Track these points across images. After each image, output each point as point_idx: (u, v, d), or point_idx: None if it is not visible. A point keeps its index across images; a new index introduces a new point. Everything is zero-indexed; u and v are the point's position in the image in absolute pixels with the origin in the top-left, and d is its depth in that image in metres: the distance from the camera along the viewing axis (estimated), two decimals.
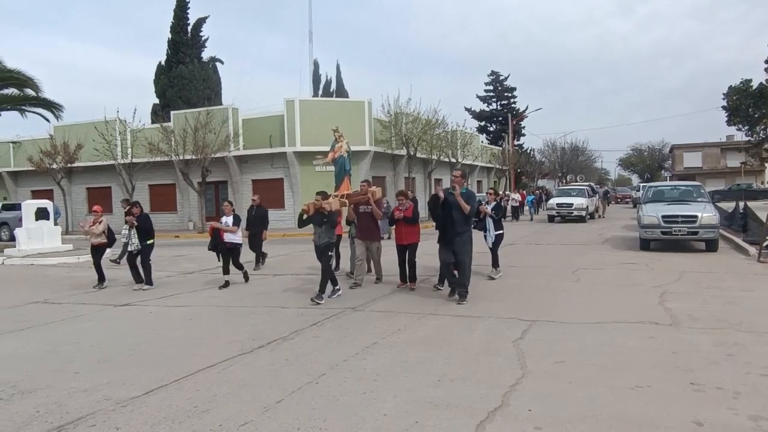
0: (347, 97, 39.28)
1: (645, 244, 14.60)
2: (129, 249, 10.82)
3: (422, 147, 31.62)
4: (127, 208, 11.03)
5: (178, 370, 5.51)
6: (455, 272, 8.55)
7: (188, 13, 43.18)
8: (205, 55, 43.79)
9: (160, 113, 33.64)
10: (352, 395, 4.68)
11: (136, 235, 10.71)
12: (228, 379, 5.22)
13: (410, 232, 9.70)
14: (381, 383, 4.96)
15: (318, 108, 29.10)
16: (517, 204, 31.71)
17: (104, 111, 29.78)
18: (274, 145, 28.30)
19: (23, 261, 16.58)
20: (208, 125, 26.13)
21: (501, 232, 10.92)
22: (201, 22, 43.79)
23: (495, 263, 10.92)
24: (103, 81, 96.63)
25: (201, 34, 43.83)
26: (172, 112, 30.65)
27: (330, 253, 9.16)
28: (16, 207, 24.78)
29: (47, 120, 21.39)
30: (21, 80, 19.08)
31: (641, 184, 33.81)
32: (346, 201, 10.03)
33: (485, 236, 10.79)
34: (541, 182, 58.48)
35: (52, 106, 20.11)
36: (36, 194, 31.60)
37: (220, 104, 32.75)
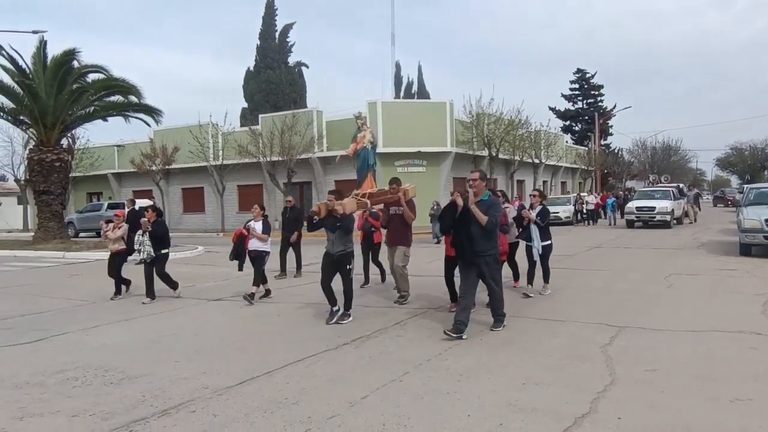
0: (428, 98, 39.35)
1: (745, 249, 13.72)
2: (141, 257, 9.64)
3: (504, 148, 31.18)
4: (130, 208, 10.25)
5: (268, 363, 5.76)
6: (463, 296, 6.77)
7: (276, 20, 44.75)
8: (291, 59, 45.20)
9: (248, 117, 35.09)
10: (435, 394, 4.73)
11: (149, 242, 9.56)
12: (315, 373, 5.40)
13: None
14: (464, 384, 4.98)
15: (400, 109, 29.36)
16: (594, 207, 29.86)
17: (198, 116, 31.42)
18: None
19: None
20: (294, 128, 26.99)
21: (549, 242, 9.10)
22: (288, 28, 45.27)
23: (545, 277, 9.20)
24: (196, 87, 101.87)
25: (287, 39, 45.29)
26: (260, 116, 31.86)
27: (348, 266, 7.61)
28: (120, 206, 26.57)
29: (148, 125, 22.85)
30: (125, 88, 20.49)
31: (744, 186, 31.66)
32: (368, 201, 8.63)
33: (531, 247, 9.06)
34: (629, 183, 56.05)
35: (152, 112, 21.45)
36: (137, 194, 33.79)
37: (305, 107, 33.70)
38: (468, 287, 6.69)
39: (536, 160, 36.33)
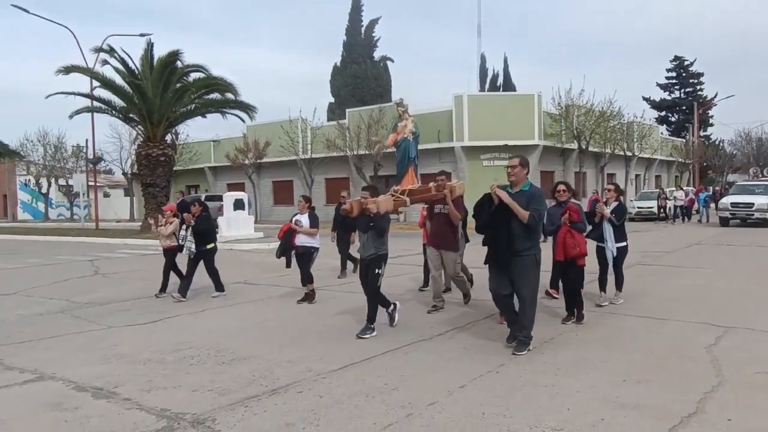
0: (514, 90, 38.69)
1: None
2: (185, 252, 9.45)
3: (595, 140, 30.18)
4: (179, 199, 9.80)
5: (367, 350, 5.99)
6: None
7: (362, 16, 45.38)
8: (377, 54, 45.70)
9: (336, 111, 35.90)
10: (533, 387, 4.77)
11: (191, 237, 9.29)
12: (412, 361, 5.57)
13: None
14: (562, 378, 4.98)
15: (486, 103, 29.09)
16: (686, 203, 27.18)
17: (288, 111, 32.47)
18: (442, 140, 28.79)
19: (224, 246, 18.75)
20: (380, 121, 27.36)
21: (624, 244, 7.93)
22: (373, 23, 45.78)
23: (618, 284, 8.10)
24: (285, 83, 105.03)
25: (373, 34, 45.82)
26: (347, 110, 32.52)
27: (377, 270, 6.78)
28: (216, 198, 27.98)
29: (242, 120, 23.97)
30: (223, 86, 21.57)
31: None
32: (407, 199, 7.39)
33: (604, 249, 7.87)
34: (731, 177, 52.56)
35: (247, 108, 22.46)
36: (231, 187, 35.38)
37: (390, 101, 34.05)
38: (500, 290, 5.90)
39: (628, 153, 34.87)
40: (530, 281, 5.73)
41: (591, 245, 7.41)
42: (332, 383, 5.01)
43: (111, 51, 20.40)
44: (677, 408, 4.24)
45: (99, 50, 20.88)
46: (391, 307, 7.07)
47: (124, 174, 43.39)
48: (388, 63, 45.09)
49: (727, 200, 23.05)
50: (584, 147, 29.64)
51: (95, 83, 22.11)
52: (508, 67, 44.57)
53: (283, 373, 5.28)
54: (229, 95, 21.91)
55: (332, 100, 44.27)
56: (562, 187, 7.40)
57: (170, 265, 9.72)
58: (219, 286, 9.65)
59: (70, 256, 16.60)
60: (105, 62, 20.90)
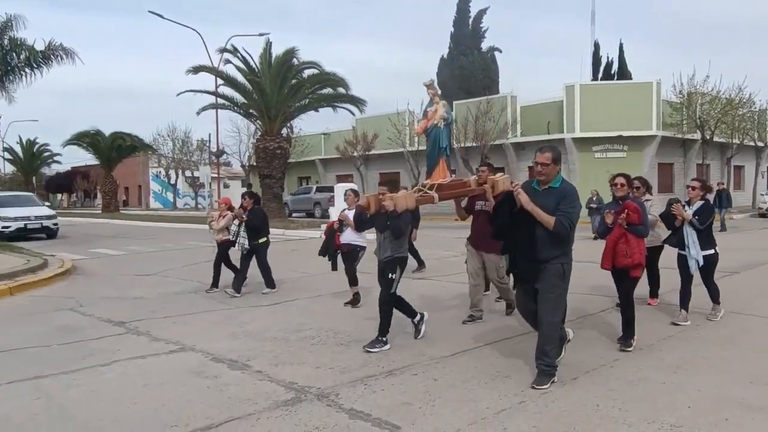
0: (629, 78, 36.68)
1: None
2: (237, 248, 9.24)
3: (721, 130, 28.07)
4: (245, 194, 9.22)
5: (477, 338, 6.13)
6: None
7: (470, 6, 44.92)
8: (485, 45, 45.10)
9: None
10: (650, 383, 4.70)
11: (244, 233, 9.08)
12: (524, 351, 5.61)
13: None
14: (681, 376, 4.86)
15: (600, 92, 27.93)
16: None
17: (396, 103, 32.96)
18: (552, 132, 28.04)
19: None
20: (488, 113, 27.11)
21: (712, 251, 6.61)
22: (481, 13, 45.17)
23: (714, 296, 6.86)
24: (393, 76, 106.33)
25: (481, 25, 45.22)
26: (453, 102, 32.47)
27: (391, 275, 5.97)
28: (326, 189, 29.07)
29: (352, 114, 24.67)
30: (335, 81, 22.37)
31: None
32: (435, 195, 6.41)
33: (686, 258, 6.58)
34: None
35: (357, 102, 23.15)
36: (340, 178, 36.52)
37: (498, 93, 33.58)
38: (528, 308, 5.04)
39: (759, 143, 32.11)
40: (553, 297, 4.74)
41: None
42: (446, 368, 5.21)
43: (234, 51, 21.80)
44: None
45: (223, 50, 22.36)
46: (417, 317, 6.33)
47: (242, 166, 46.02)
48: (496, 54, 44.39)
49: None
50: (708, 137, 27.67)
51: (219, 81, 23.72)
52: (624, 54, 42.23)
53: (398, 356, 5.54)
54: (341, 90, 22.69)
55: (439, 92, 44.30)
56: (620, 180, 5.79)
57: (222, 259, 9.49)
58: (270, 283, 9.25)
59: (197, 242, 17.98)
60: (228, 61, 22.36)
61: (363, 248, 8.25)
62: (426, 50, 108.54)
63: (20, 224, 19.86)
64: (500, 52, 44.70)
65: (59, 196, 74.66)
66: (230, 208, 9.55)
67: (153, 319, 7.46)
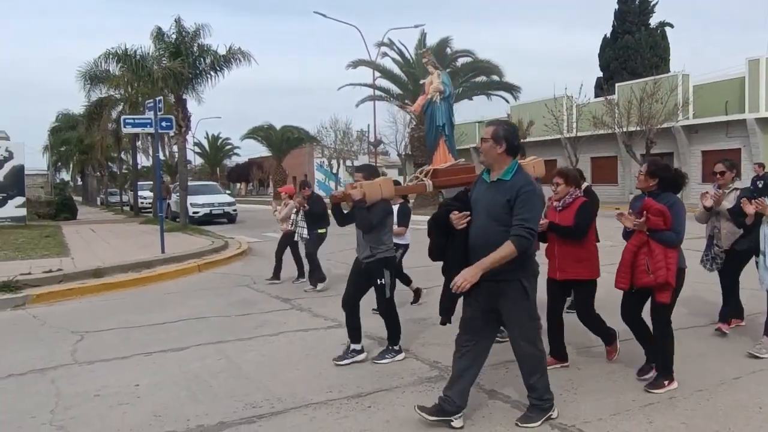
0: None
1: None
2: (296, 239, 9.14)
3: None
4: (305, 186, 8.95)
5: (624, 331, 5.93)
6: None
7: None
8: (653, 21, 41.70)
9: (603, 86, 33.97)
10: None
11: (303, 222, 8.84)
12: (681, 346, 5.33)
13: (568, 256, 4.81)
14: None
15: None
16: None
17: (553, 88, 31.80)
18: (731, 112, 25.33)
19: None
20: (655, 95, 25.17)
21: None
22: None
23: None
24: (550, 59, 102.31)
25: None
26: (616, 84, 30.59)
27: (380, 281, 5.17)
28: None
29: (507, 101, 24.36)
30: (488, 68, 22.30)
31: None
32: (428, 182, 5.51)
33: (758, 269, 5.06)
34: None
35: (511, 89, 22.86)
36: None
37: (669, 71, 30.99)
38: (467, 345, 3.92)
39: None
40: (523, 319, 3.73)
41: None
42: (591, 357, 5.16)
43: (390, 44, 22.60)
44: None
45: (380, 44, 23.30)
46: (398, 346, 5.32)
47: (399, 155, 47.39)
48: (667, 29, 40.77)
49: None
50: None
51: (377, 74, 24.71)
52: None
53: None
54: (494, 77, 22.55)
55: (600, 74, 41.83)
56: (644, 170, 4.49)
57: (283, 249, 9.42)
58: (317, 276, 8.78)
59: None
60: (385, 54, 23.24)
61: (406, 247, 7.42)
62: (586, 30, 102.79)
63: (207, 210, 22.60)
64: (672, 27, 41.05)
65: (238, 185, 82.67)
66: (291, 197, 9.43)
67: (316, 298, 8.16)
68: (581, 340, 5.62)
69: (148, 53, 19.31)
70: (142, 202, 30.33)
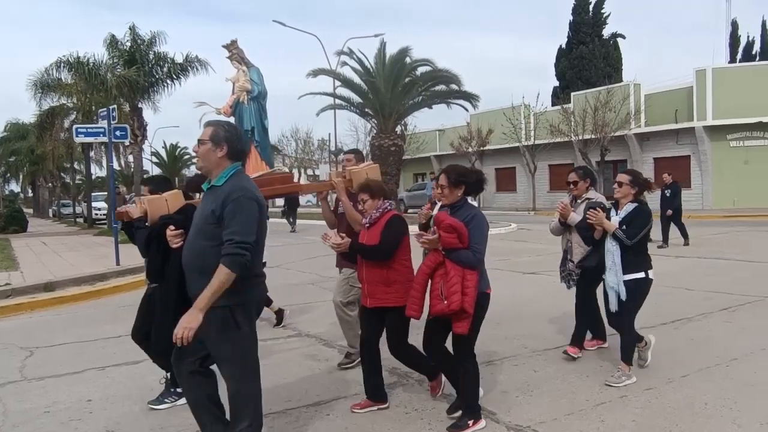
0: None
1: None
2: None
3: None
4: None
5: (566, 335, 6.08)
6: None
7: None
8: (606, 31, 42.97)
9: (560, 95, 34.79)
10: None
11: None
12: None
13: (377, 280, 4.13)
14: None
15: (736, 75, 25.79)
16: None
17: (511, 98, 32.40)
18: (680, 120, 26.27)
19: None
20: (608, 104, 25.94)
21: (641, 275, 4.60)
22: None
23: (625, 353, 4.65)
24: (508, 69, 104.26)
25: (602, 11, 43.14)
26: (572, 94, 31.38)
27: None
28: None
29: (466, 110, 24.70)
30: (447, 77, 22.52)
31: None
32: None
33: (604, 287, 4.79)
34: None
35: (470, 98, 23.14)
36: None
37: (621, 81, 31.96)
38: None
39: None
40: (232, 356, 3.13)
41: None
42: (547, 360, 5.26)
43: (350, 53, 22.62)
44: None
45: (340, 53, 23.26)
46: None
47: None
48: (619, 40, 42.08)
49: None
50: None
51: (337, 83, 24.72)
52: (767, 32, 38.46)
53: (500, 347, 5.65)
54: (453, 86, 22.77)
55: (557, 84, 42.84)
56: (444, 181, 3.90)
57: None
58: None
59: (314, 237, 18.92)
60: (345, 63, 23.24)
61: None
62: (543, 40, 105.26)
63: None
64: (623, 38, 42.38)
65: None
66: None
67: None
68: (535, 343, 5.73)
69: (102, 61, 18.90)
70: (96, 214, 29.52)
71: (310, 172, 53.26)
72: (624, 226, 4.52)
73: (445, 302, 3.66)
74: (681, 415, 3.96)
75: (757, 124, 24.37)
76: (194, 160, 3.99)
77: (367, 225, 4.27)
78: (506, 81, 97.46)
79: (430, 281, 3.83)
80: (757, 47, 38.04)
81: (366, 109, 24.30)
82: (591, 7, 43.09)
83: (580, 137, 27.15)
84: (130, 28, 18.97)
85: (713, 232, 16.60)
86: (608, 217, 4.60)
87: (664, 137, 26.94)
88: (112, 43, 18.99)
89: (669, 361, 5.08)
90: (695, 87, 25.62)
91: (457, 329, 3.72)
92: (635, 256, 4.56)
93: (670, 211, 13.32)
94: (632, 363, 4.65)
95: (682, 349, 5.46)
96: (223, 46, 5.79)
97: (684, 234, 13.45)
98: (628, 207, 4.62)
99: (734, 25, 38.46)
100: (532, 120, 31.74)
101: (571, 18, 43.39)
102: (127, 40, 19.11)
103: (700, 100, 25.37)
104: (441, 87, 23.35)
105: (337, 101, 25.54)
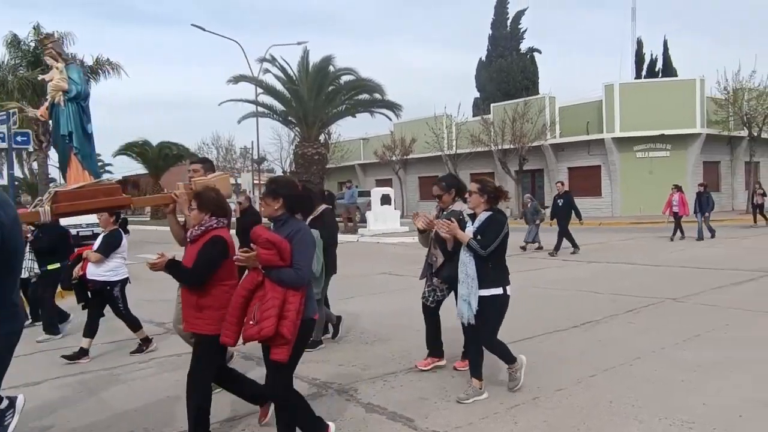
0: (675, 76, 35.80)
1: None
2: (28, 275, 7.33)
3: None
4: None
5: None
6: None
7: (508, 8, 44.69)
8: (524, 46, 44.75)
9: (481, 106, 35.86)
10: (667, 381, 4.72)
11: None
12: (543, 351, 5.71)
13: (189, 303, 3.75)
14: (702, 375, 4.86)
15: (640, 90, 27.45)
16: None
17: (433, 107, 33.05)
18: (592, 132, 27.66)
19: (371, 239, 19.77)
20: (526, 115, 26.95)
21: (498, 291, 4.40)
22: (520, 14, 44.83)
23: (475, 369, 4.55)
24: (431, 79, 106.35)
25: (519, 26, 44.91)
26: (491, 105, 32.38)
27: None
28: (365, 194, 29.34)
29: (389, 119, 24.99)
30: (371, 87, 22.73)
31: None
32: (41, 210, 4.29)
33: (461, 299, 4.51)
34: None
35: (393, 107, 23.44)
36: (379, 183, 36.79)
37: (538, 94, 33.29)
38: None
39: None
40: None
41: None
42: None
43: (272, 60, 22.42)
44: None
45: (262, 60, 23.03)
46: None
47: (284, 172, 46.88)
48: (535, 55, 43.94)
49: None
50: (756, 134, 26.76)
51: (259, 90, 24.38)
52: (668, 51, 41.28)
53: (420, 354, 5.68)
54: (377, 95, 23.01)
55: (478, 95, 44.15)
56: (270, 189, 3.57)
57: None
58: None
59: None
60: (267, 71, 23.01)
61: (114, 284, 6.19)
62: (466, 53, 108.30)
63: (73, 231, 20.80)
64: (539, 53, 44.27)
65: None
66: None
67: None
68: (453, 349, 5.81)
69: (3, 62, 17.73)
70: None
71: (232, 180, 52.11)
72: (479, 236, 4.34)
73: (260, 326, 3.27)
74: (588, 413, 4.13)
75: (660, 137, 26.02)
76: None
77: (189, 240, 3.81)
78: (429, 91, 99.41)
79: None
80: (659, 64, 40.63)
81: (289, 117, 24.09)
82: (509, 22, 44.80)
83: (500, 147, 28.02)
84: (34, 28, 17.89)
85: (621, 237, 17.56)
86: (463, 228, 4.45)
87: (577, 148, 28.26)
88: (14, 42, 17.86)
89: (578, 362, 5.29)
90: (604, 101, 27.06)
91: (275, 355, 3.35)
92: (493, 271, 4.37)
93: (555, 219, 13.66)
94: (482, 377, 4.48)
95: (591, 350, 5.70)
96: (37, 41, 5.08)
97: (563, 244, 13.65)
98: (482, 216, 4.44)
99: (639, 44, 40.96)
100: (454, 130, 32.47)
101: (490, 32, 44.92)
102: (32, 40, 18.01)
103: (608, 114, 26.82)
104: (365, 96, 23.52)
105: (260, 109, 25.17)
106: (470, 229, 4.42)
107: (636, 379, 4.80)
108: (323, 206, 6.14)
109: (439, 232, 4.48)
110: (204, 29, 27.56)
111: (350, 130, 39.12)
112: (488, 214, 4.42)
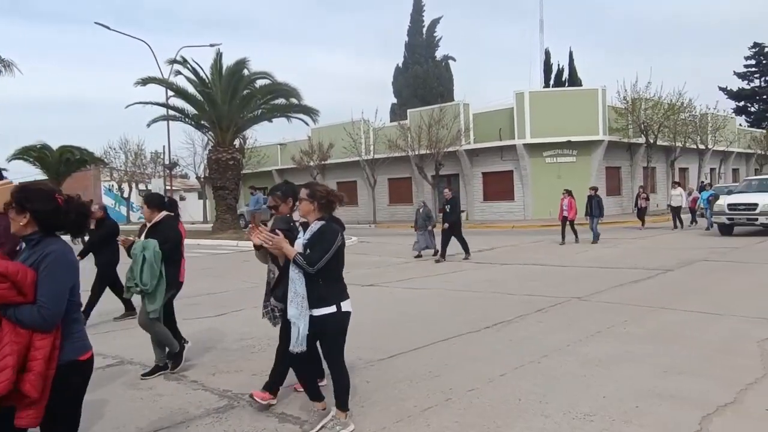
0: (580, 85, 37.82)
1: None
2: None
3: (664, 134, 29.20)
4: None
5: (415, 341, 6.29)
6: None
7: (423, 16, 45.66)
8: (439, 54, 45.86)
9: (398, 112, 36.36)
10: (572, 377, 4.93)
11: None
12: (457, 352, 5.83)
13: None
14: (602, 369, 5.11)
15: (548, 99, 28.74)
16: (689, 204, 21.95)
17: (351, 113, 33.12)
18: (504, 138, 28.66)
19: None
20: (441, 121, 27.56)
21: (331, 309, 3.88)
22: (435, 23, 45.98)
23: (339, 400, 4.10)
24: (349, 85, 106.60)
25: (435, 34, 46.03)
26: (408, 111, 32.87)
27: None
28: None
29: (306, 123, 24.79)
30: (287, 91, 22.45)
31: None
32: None
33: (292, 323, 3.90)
34: None
35: (310, 112, 23.26)
36: None
37: (453, 100, 34.15)
38: None
39: (701, 146, 33.46)
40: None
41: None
42: (380, 370, 5.35)
43: (184, 62, 21.67)
44: (715, 398, 4.31)
45: (173, 62, 22.20)
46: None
47: (198, 178, 45.46)
48: (450, 62, 45.17)
49: (724, 201, 17.42)
50: (652, 141, 28.72)
51: (170, 93, 23.51)
52: (574, 61, 43.53)
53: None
54: (293, 100, 22.77)
55: (395, 101, 44.76)
56: (16, 200, 2.76)
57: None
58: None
59: None
60: (178, 73, 22.21)
61: None
62: (383, 59, 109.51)
63: None
64: (454, 60, 45.56)
65: None
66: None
67: (97, 334, 7.36)
68: (370, 354, 5.82)
69: None
70: None
71: (142, 186, 49.86)
72: (308, 250, 3.79)
73: None
74: (498, 412, 4.23)
75: (567, 143, 27.36)
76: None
77: None
78: (347, 96, 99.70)
79: None
80: (566, 74, 42.76)
81: (202, 121, 23.40)
82: (425, 29, 45.78)
83: (417, 152, 28.49)
84: None
85: (533, 240, 18.31)
86: (294, 238, 3.95)
87: (490, 153, 29.19)
88: None
89: (490, 362, 5.42)
90: (515, 108, 28.14)
91: (20, 420, 2.55)
92: (325, 288, 3.83)
93: (446, 225, 13.79)
94: (348, 408, 4.09)
95: (502, 349, 5.86)
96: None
97: (465, 248, 13.89)
98: (314, 226, 3.86)
99: (547, 54, 42.94)
100: (371, 135, 32.68)
101: (406, 39, 45.73)
102: None
103: (519, 121, 27.92)
104: (281, 101, 23.22)
105: (171, 112, 24.28)
106: (299, 241, 3.88)
107: (543, 376, 4.98)
108: (163, 213, 5.74)
109: (263, 245, 3.94)
110: (109, 28, 26.28)
111: (267, 135, 38.59)
112: (320, 224, 3.86)
